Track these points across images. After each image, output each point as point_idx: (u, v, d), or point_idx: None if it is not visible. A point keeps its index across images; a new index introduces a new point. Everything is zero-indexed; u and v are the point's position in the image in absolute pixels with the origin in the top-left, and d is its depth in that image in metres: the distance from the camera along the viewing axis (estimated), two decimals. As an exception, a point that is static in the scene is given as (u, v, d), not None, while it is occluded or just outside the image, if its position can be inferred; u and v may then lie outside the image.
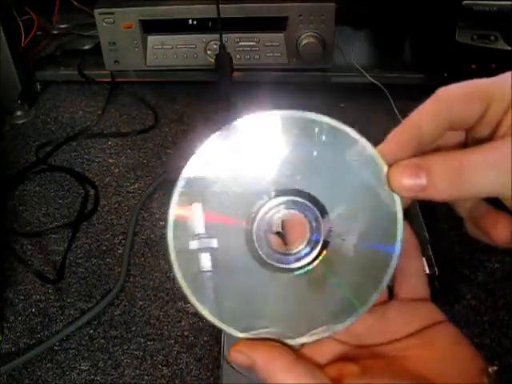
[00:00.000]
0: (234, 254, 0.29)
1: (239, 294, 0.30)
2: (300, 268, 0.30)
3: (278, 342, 0.29)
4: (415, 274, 0.33)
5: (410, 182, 0.26)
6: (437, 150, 0.29)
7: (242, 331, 0.29)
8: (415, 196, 0.27)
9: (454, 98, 0.27)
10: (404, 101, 0.80)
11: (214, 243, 0.29)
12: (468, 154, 0.26)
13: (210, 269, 0.29)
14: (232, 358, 0.29)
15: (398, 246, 0.29)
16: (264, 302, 0.30)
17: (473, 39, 0.73)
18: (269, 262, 0.29)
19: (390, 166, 0.27)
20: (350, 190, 0.29)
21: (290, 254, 0.30)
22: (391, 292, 0.33)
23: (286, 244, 0.30)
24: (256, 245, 0.29)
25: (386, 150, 0.28)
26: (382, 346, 0.30)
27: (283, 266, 0.29)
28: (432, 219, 0.61)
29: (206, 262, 0.29)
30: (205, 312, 0.29)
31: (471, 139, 0.29)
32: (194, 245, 0.29)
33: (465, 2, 0.70)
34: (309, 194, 0.29)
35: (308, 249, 0.29)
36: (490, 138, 0.28)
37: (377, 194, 0.28)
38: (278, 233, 0.30)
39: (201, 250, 0.29)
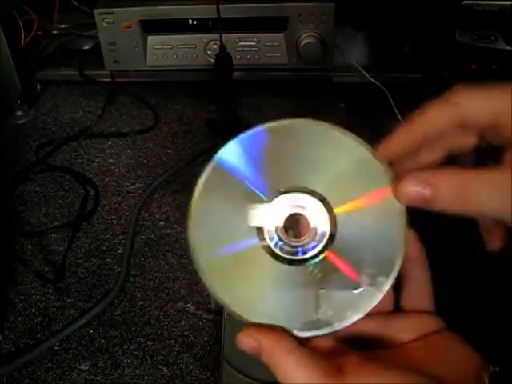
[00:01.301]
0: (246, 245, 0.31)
1: (249, 281, 0.31)
2: (305, 260, 0.31)
3: (284, 331, 0.30)
4: (421, 286, 0.33)
5: (416, 197, 0.27)
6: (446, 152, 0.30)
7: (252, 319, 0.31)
8: (421, 206, 0.28)
9: (467, 97, 0.28)
10: (404, 101, 0.80)
11: None
12: (475, 174, 0.27)
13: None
14: (240, 341, 0.30)
15: (401, 251, 0.30)
16: (271, 292, 0.31)
17: (473, 39, 0.73)
18: (277, 252, 0.31)
19: (397, 177, 0.29)
20: (356, 190, 0.31)
21: (297, 247, 0.31)
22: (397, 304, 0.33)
23: (296, 237, 0.31)
24: (266, 237, 0.31)
25: (393, 144, 0.29)
26: (382, 350, 0.31)
27: (290, 257, 0.31)
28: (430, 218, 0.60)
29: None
30: (225, 298, 0.31)
31: (486, 145, 0.30)
32: None
33: (465, 1, 0.70)
34: (318, 194, 0.31)
35: (314, 242, 0.31)
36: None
37: (381, 197, 0.30)
38: (288, 226, 0.31)
39: None
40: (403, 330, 0.31)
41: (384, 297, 0.30)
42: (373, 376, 0.27)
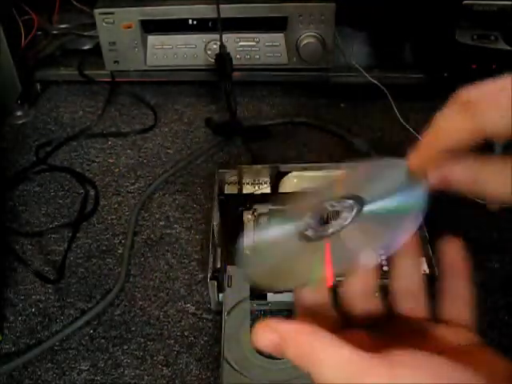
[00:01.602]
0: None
1: (278, 261, 0.33)
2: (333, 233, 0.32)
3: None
4: (461, 298, 0.32)
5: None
6: None
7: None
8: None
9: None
10: (404, 101, 0.80)
11: None
12: (483, 165, 0.29)
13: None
14: (256, 332, 0.27)
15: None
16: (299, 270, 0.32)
17: (473, 39, 0.73)
18: (306, 233, 0.33)
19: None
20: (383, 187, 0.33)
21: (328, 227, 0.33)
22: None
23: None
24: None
25: (418, 157, 0.30)
26: None
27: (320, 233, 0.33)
28: (431, 219, 0.60)
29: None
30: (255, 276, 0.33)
31: None
32: None
33: (465, 1, 0.70)
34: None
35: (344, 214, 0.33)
36: None
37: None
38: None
39: None
40: (443, 339, 0.30)
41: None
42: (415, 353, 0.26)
